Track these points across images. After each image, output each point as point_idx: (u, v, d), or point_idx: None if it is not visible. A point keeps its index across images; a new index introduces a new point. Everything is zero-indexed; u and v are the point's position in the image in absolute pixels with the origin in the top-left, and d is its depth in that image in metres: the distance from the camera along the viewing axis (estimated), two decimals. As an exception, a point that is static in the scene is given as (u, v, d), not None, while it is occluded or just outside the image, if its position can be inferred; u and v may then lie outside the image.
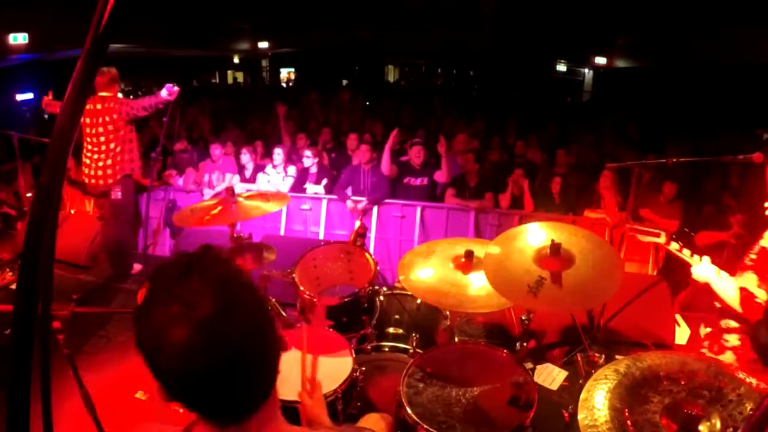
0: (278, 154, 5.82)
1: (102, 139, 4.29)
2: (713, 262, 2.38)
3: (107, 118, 4.25)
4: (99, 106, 4.22)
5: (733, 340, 2.35)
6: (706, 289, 2.40)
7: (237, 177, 5.86)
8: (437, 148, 5.25)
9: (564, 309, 2.13)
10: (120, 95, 4.41)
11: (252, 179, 5.94)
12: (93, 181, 4.40)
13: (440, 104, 9.42)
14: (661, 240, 2.46)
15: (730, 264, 2.43)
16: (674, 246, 2.46)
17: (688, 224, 4.99)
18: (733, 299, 2.26)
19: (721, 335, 2.39)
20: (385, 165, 5.43)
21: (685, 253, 2.41)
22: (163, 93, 4.22)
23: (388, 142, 5.39)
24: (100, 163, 4.34)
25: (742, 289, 2.25)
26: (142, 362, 0.80)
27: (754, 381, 1.59)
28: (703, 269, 2.37)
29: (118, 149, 4.33)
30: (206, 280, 0.80)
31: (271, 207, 2.86)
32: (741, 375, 1.59)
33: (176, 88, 4.25)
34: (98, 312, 2.26)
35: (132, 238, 4.69)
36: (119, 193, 4.41)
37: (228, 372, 0.79)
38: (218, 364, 0.77)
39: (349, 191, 5.63)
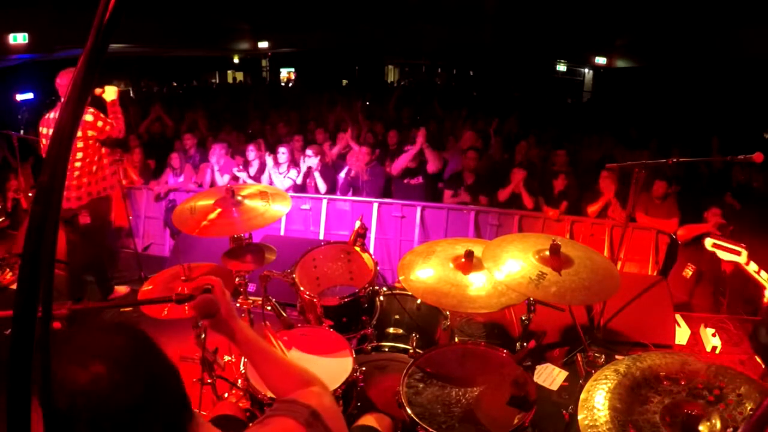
0: (283, 153, 5.80)
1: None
2: (693, 255, 2.33)
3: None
4: None
5: None
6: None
7: (243, 174, 5.83)
8: (417, 136, 5.44)
9: (565, 301, 2.14)
10: (115, 92, 4.08)
11: (256, 178, 5.93)
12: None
13: (439, 105, 9.43)
14: (742, 259, 2.39)
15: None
16: (753, 267, 2.39)
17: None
18: None
19: None
20: (402, 163, 5.51)
21: (763, 276, 2.37)
22: (108, 96, 3.97)
23: (417, 140, 5.47)
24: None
25: None
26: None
27: None
28: None
29: (82, 170, 3.90)
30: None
31: (271, 214, 2.71)
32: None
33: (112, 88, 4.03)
34: (96, 308, 2.23)
35: (104, 261, 4.40)
36: (87, 217, 4.06)
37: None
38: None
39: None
